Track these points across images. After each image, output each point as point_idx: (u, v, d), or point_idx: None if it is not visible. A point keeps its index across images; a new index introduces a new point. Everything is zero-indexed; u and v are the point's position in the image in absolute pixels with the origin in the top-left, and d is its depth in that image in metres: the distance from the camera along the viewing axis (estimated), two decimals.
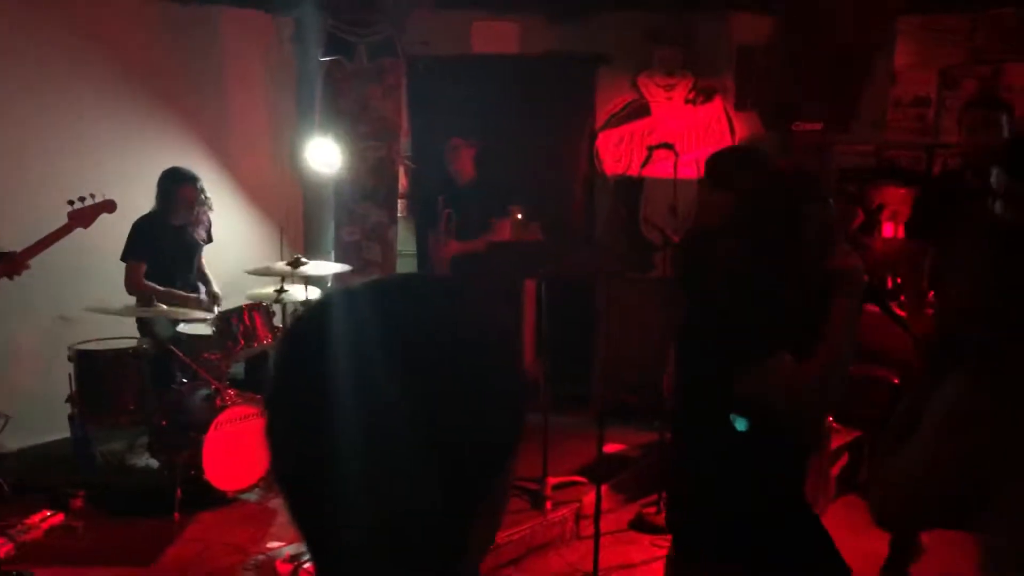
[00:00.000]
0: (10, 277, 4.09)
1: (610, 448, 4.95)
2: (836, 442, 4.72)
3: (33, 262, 4.16)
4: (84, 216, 4.23)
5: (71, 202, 4.23)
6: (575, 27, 5.97)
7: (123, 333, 4.69)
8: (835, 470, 4.81)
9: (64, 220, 4.23)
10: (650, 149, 6.00)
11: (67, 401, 4.34)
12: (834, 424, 4.62)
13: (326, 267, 4.90)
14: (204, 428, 4.19)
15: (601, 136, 6.19)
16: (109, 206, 4.35)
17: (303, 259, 4.55)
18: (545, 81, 6.04)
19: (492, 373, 0.79)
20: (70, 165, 5.03)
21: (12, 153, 4.98)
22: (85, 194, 4.27)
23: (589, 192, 6.24)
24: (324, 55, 5.33)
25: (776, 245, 2.27)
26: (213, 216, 5.17)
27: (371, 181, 5.41)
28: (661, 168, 6.05)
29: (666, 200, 5.87)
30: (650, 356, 5.56)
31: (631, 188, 6.13)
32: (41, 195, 4.75)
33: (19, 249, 4.12)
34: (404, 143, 5.86)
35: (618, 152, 6.19)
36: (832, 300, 2.23)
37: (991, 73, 5.71)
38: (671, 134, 6.07)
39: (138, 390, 4.36)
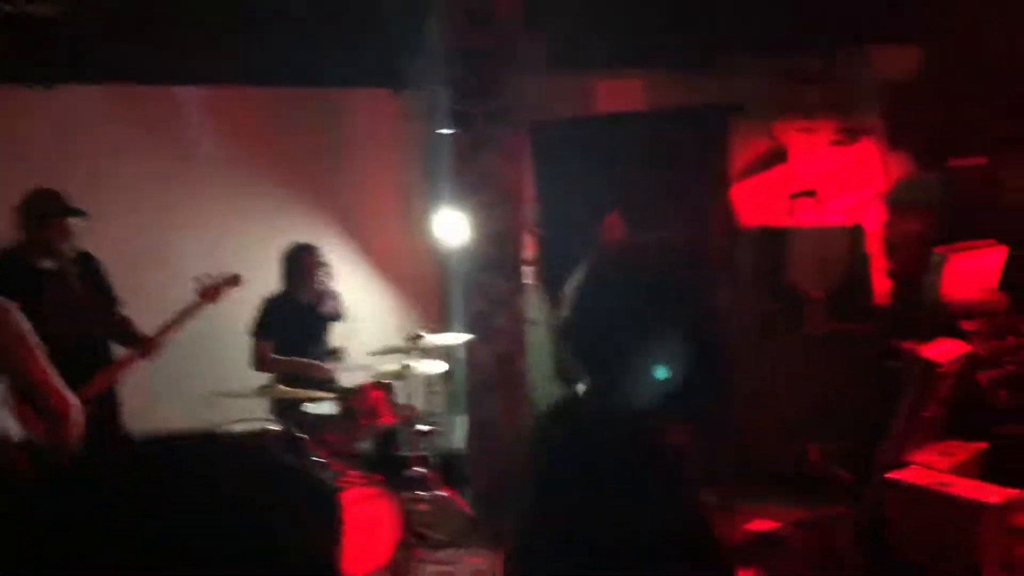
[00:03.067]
0: (147, 357, 4.20)
1: (758, 525, 4.53)
2: None
3: (181, 341, 4.28)
4: (211, 293, 4.32)
5: (199, 279, 4.32)
6: (702, 77, 5.71)
7: (260, 413, 4.76)
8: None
9: (192, 298, 4.35)
10: (792, 197, 5.64)
11: None
12: None
13: (447, 339, 4.82)
14: None
15: (738, 187, 5.85)
16: (235, 281, 4.43)
17: (421, 334, 4.48)
18: (675, 135, 5.79)
19: None
20: (202, 248, 5.23)
21: (144, 239, 5.26)
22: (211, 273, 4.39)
23: (728, 247, 5.88)
24: (444, 128, 5.33)
25: None
26: (347, 293, 5.22)
27: (496, 250, 5.31)
28: (805, 217, 5.65)
29: (812, 251, 5.46)
30: (797, 420, 5.11)
31: (773, 240, 5.73)
32: (171, 277, 4.93)
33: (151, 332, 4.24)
34: (530, 209, 5.74)
35: (757, 203, 5.82)
36: None
37: None
38: (815, 180, 5.66)
39: None
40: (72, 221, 3.95)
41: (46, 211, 3.89)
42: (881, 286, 5.65)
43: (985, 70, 5.22)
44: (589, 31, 5.55)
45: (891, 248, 5.72)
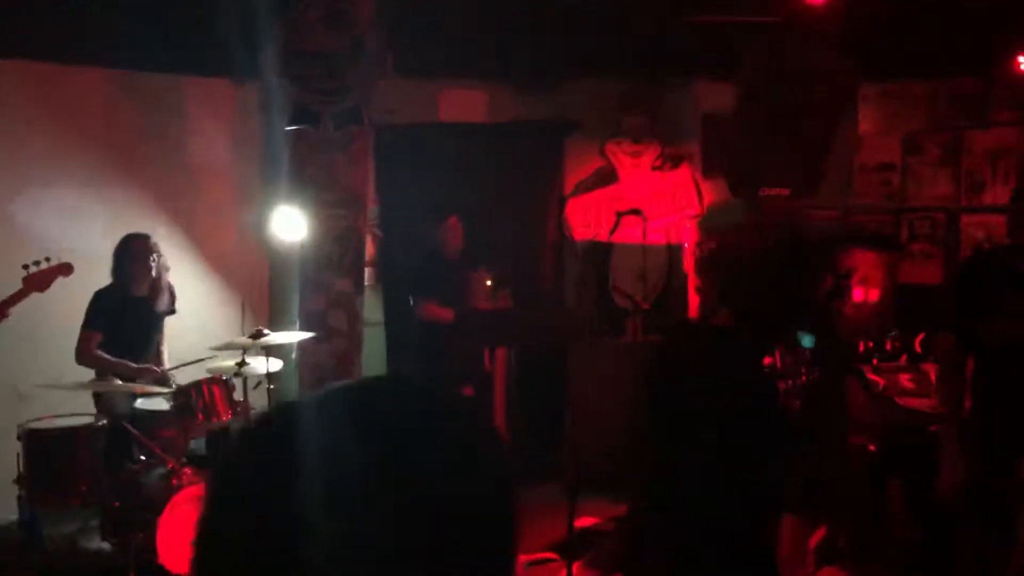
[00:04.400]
0: None
1: (583, 522, 4.81)
2: None
3: None
4: (40, 280, 4.10)
5: (26, 266, 4.09)
6: (542, 95, 6.00)
7: (79, 409, 4.53)
8: (813, 541, 4.68)
9: (19, 285, 4.10)
10: (618, 215, 6.02)
11: (15, 482, 4.14)
12: None
13: (289, 336, 4.79)
14: (159, 509, 4.01)
15: (570, 202, 6.18)
16: (65, 269, 4.22)
17: (264, 331, 4.43)
18: (513, 148, 6.04)
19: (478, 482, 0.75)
20: (28, 233, 4.92)
21: None
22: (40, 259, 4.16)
23: (558, 258, 6.20)
24: (290, 124, 5.29)
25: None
26: (177, 287, 5.06)
27: (337, 250, 5.33)
28: (630, 234, 6.05)
29: (635, 266, 5.86)
30: (622, 423, 5.46)
31: (600, 253, 6.10)
32: None
33: None
34: (371, 211, 5.80)
35: (587, 218, 6.17)
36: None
37: (952, 140, 5.80)
38: (639, 200, 6.07)
39: (91, 469, 4.17)
40: None
41: None
42: (692, 301, 6.14)
43: (788, 112, 5.82)
44: (436, 41, 5.70)
45: (701, 267, 6.23)
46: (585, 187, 6.17)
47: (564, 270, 6.22)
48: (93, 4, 4.82)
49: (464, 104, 6.03)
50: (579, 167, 6.18)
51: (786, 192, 5.69)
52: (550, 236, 6.18)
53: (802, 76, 5.52)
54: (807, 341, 2.07)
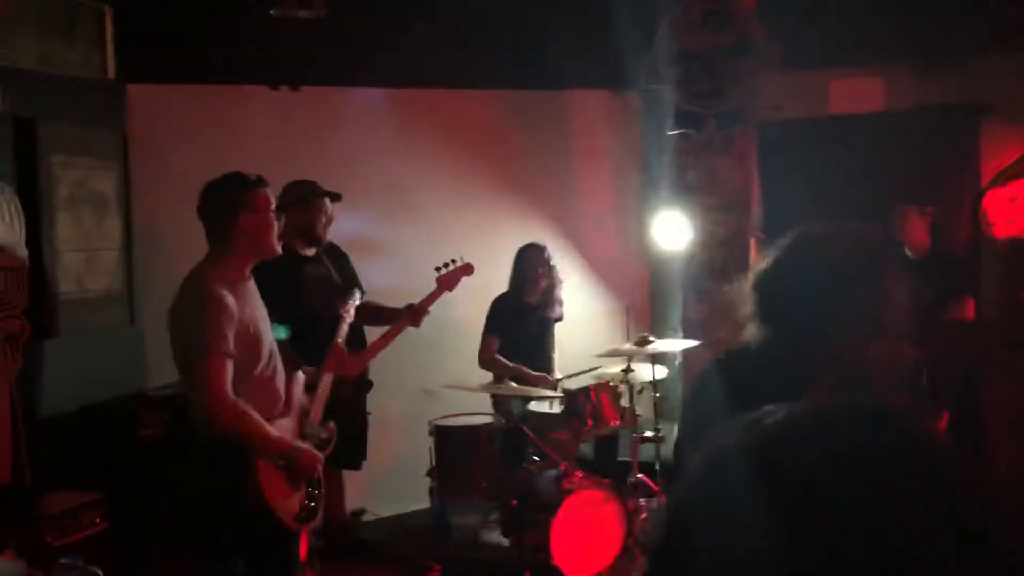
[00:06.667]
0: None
1: None
2: None
3: (402, 336, 4.40)
4: (450, 280, 4.39)
5: (438, 268, 4.39)
6: (950, 76, 5.30)
7: (480, 408, 4.83)
8: None
9: (433, 286, 4.42)
10: None
11: (427, 475, 4.51)
12: None
13: (674, 344, 4.70)
14: (552, 510, 4.11)
15: (988, 195, 5.38)
16: (469, 269, 4.43)
17: (650, 338, 4.39)
18: (918, 138, 5.40)
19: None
20: (432, 246, 5.36)
21: (379, 233, 5.45)
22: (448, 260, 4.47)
23: (976, 260, 5.43)
24: (672, 128, 5.21)
25: None
26: (564, 293, 5.23)
27: (720, 255, 5.14)
28: None
29: None
30: None
31: None
32: (412, 267, 5.06)
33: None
34: (755, 214, 5.53)
35: (1012, 212, 5.33)
36: None
37: None
38: None
39: (490, 466, 4.42)
40: (329, 204, 4.26)
41: (307, 194, 4.19)
42: None
43: None
44: (824, 27, 5.29)
45: None
46: (1008, 176, 5.34)
47: (981, 273, 5.44)
48: (484, 33, 5.15)
49: (857, 93, 5.53)
50: (999, 154, 5.36)
51: None
52: (964, 235, 5.43)
53: None
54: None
